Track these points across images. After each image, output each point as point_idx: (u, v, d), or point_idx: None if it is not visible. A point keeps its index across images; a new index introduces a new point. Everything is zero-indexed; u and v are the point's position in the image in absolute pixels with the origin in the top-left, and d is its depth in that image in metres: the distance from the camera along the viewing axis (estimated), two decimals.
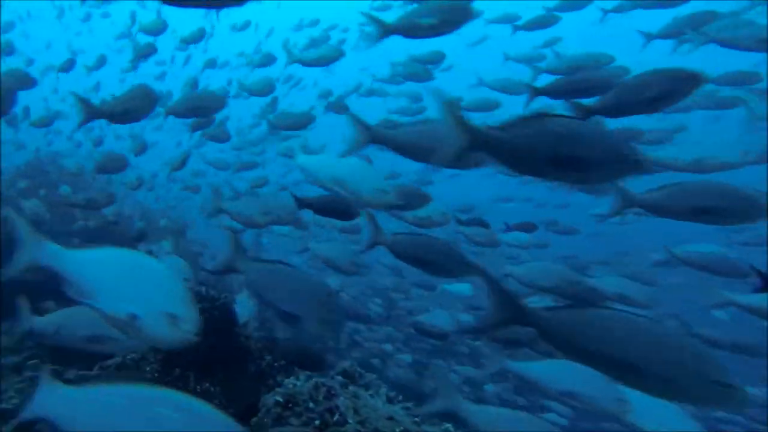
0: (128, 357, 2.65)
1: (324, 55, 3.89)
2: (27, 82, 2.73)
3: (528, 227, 4.39)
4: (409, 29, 2.20)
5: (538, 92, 2.80)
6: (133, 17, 7.60)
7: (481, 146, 1.45)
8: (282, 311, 1.82)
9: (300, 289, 1.84)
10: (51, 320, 2.10)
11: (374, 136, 1.94)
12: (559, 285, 2.71)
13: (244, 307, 3.03)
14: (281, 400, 1.94)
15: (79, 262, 1.43)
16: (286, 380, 2.10)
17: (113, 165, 4.16)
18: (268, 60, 5.61)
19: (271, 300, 1.84)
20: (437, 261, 2.33)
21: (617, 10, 4.36)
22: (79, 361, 2.86)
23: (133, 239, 4.51)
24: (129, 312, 1.32)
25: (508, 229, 4.48)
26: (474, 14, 2.14)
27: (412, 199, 2.70)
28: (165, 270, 1.41)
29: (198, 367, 2.65)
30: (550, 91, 2.72)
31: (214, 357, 2.71)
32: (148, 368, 2.57)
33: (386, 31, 2.23)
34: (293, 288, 1.83)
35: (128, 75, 7.09)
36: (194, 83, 6.17)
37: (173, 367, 2.66)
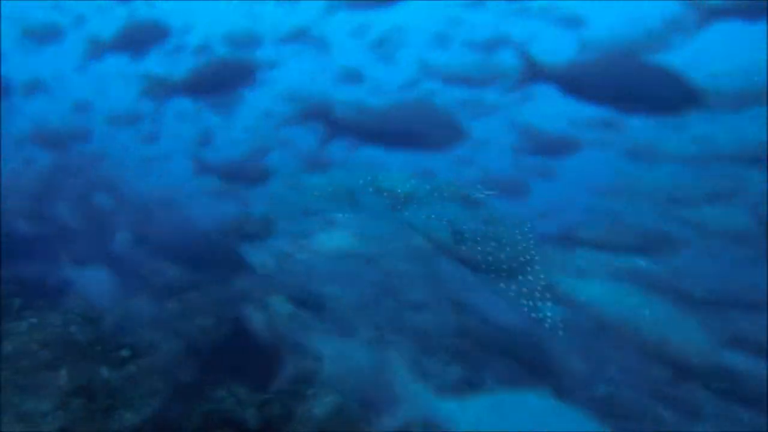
0: (162, 358, 2.57)
1: None
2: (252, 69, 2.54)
3: None
4: None
5: None
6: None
7: None
8: None
9: None
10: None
11: None
12: None
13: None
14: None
15: (465, 412, 1.26)
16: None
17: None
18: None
19: None
20: None
21: None
22: (107, 359, 2.80)
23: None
24: None
25: None
26: None
27: None
28: (567, 409, 1.23)
29: (233, 372, 2.56)
30: None
31: (249, 362, 2.62)
32: (183, 370, 2.48)
33: None
34: None
35: None
36: None
37: (208, 372, 2.58)
